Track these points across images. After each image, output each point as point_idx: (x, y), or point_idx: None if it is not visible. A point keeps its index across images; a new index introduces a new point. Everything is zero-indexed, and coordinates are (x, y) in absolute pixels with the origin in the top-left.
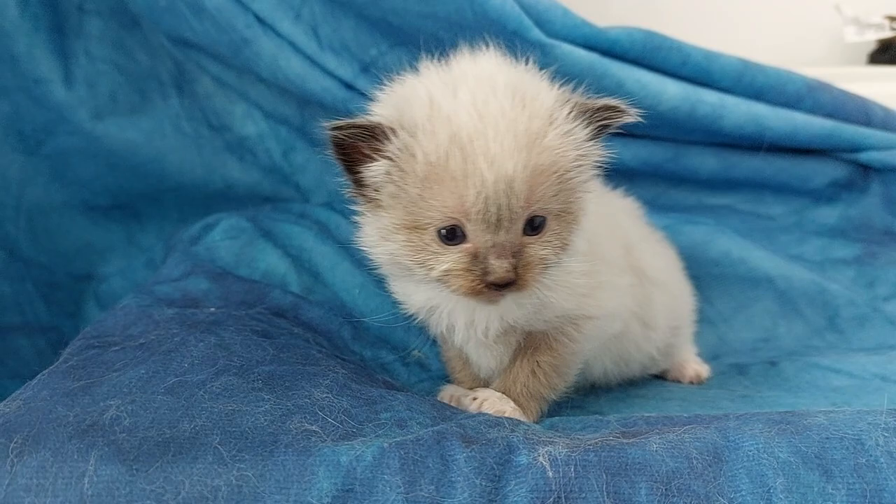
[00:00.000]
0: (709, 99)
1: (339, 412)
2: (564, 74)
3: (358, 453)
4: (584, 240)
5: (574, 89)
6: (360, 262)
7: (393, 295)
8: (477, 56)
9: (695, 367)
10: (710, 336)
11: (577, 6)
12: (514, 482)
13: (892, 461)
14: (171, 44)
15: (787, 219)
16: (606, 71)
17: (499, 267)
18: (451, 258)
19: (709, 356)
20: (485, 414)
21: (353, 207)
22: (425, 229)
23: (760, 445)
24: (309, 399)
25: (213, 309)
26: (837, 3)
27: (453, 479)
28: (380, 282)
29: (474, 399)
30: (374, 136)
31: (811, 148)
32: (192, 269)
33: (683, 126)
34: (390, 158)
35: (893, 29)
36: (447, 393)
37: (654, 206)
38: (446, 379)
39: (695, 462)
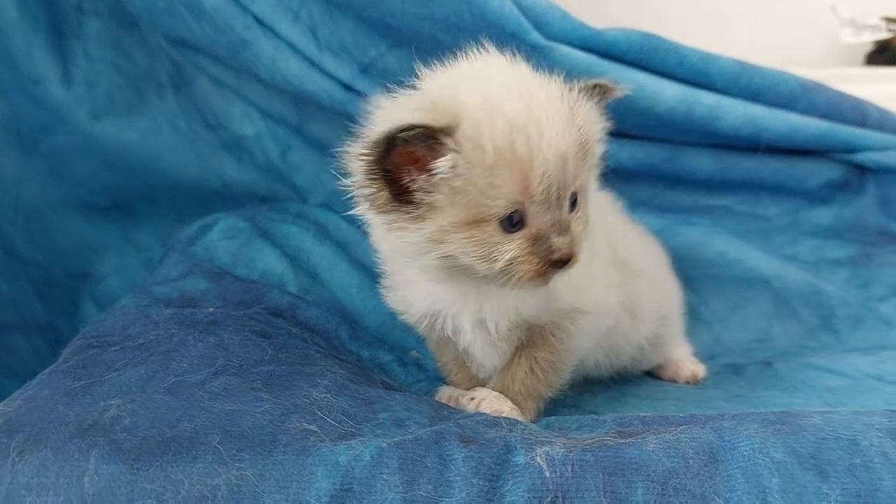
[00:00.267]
0: (706, 100)
1: (337, 412)
2: (563, 76)
3: (356, 453)
4: None
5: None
6: (359, 262)
7: (390, 306)
8: (483, 56)
9: (691, 366)
10: (706, 336)
11: (574, 8)
12: (511, 482)
13: (887, 462)
14: (169, 44)
15: (783, 219)
16: (604, 72)
17: (562, 243)
18: (514, 245)
19: (704, 356)
20: (482, 414)
21: (385, 223)
22: (487, 221)
23: (756, 445)
24: (307, 399)
25: (211, 309)
26: (834, 5)
27: (451, 478)
28: (377, 280)
29: (472, 399)
30: (439, 133)
31: (807, 149)
32: (190, 269)
33: (680, 127)
34: (457, 152)
35: (890, 30)
36: (445, 393)
37: (651, 207)
38: (442, 380)
39: (691, 462)
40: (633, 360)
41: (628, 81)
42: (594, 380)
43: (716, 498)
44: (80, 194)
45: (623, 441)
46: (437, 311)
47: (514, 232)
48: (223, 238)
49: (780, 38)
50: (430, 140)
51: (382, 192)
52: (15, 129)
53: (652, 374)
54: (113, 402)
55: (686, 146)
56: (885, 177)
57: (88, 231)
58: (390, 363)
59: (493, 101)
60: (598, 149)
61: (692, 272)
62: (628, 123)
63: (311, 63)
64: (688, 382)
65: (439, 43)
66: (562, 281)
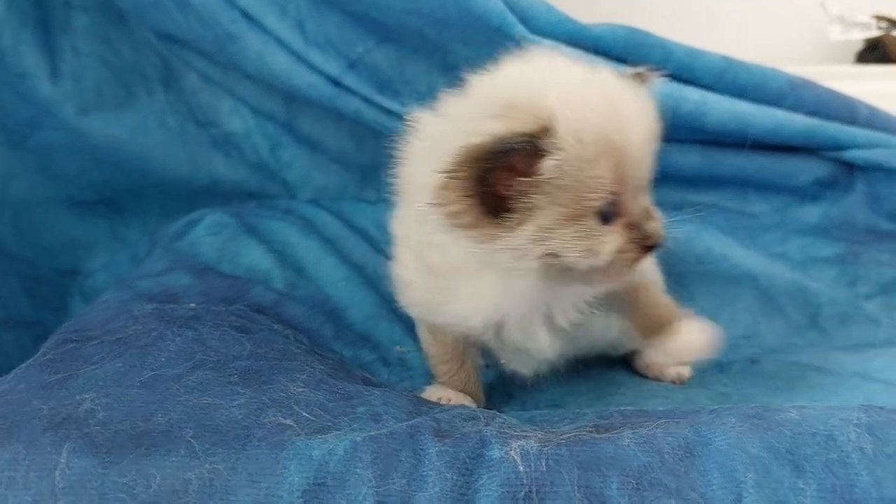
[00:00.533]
0: (692, 96)
1: (314, 406)
2: None
3: (330, 447)
4: None
5: None
6: (346, 257)
7: (439, 320)
8: (526, 55)
9: (676, 367)
10: None
11: (564, 5)
12: (485, 476)
13: (864, 457)
14: (157, 39)
15: (771, 217)
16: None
17: (655, 228)
18: (615, 236)
19: None
20: (459, 407)
21: (473, 237)
22: (586, 215)
23: (732, 440)
24: (285, 393)
25: (192, 305)
26: (823, 1)
27: (425, 472)
28: (364, 274)
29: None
30: (541, 137)
31: (795, 145)
32: (174, 265)
33: (667, 123)
34: (559, 150)
35: (880, 28)
36: (434, 393)
37: None
38: (427, 380)
39: (666, 457)
40: (610, 344)
41: None
42: (579, 379)
43: (691, 492)
44: (67, 190)
45: (599, 436)
46: (503, 317)
47: (610, 223)
48: (209, 234)
49: (770, 35)
50: (531, 146)
51: (474, 208)
52: (2, 125)
53: (638, 373)
54: (87, 396)
55: (673, 142)
56: (873, 174)
57: (76, 227)
58: (374, 362)
59: (576, 95)
60: None
61: (680, 269)
62: None
63: (299, 58)
64: (673, 382)
65: (426, 38)
66: None
